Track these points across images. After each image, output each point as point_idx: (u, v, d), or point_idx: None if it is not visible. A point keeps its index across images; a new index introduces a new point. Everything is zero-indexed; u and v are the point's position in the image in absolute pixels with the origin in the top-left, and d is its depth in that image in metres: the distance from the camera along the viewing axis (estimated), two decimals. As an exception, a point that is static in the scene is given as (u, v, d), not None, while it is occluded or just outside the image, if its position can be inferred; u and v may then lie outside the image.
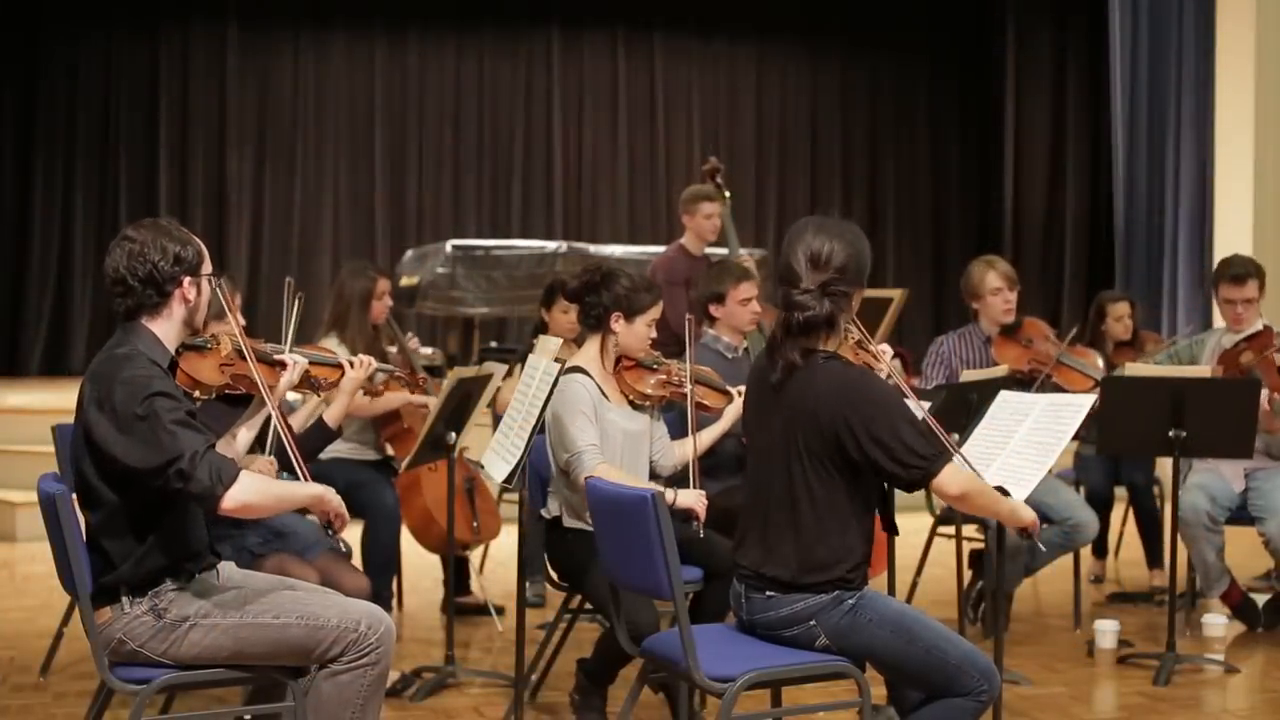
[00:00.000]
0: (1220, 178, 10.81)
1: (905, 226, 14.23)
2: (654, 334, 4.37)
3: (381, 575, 5.23)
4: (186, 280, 3.22)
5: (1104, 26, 12.20)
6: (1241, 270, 5.68)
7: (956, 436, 4.19)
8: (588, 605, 4.51)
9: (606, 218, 13.66)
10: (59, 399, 8.59)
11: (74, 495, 3.20)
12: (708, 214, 6.87)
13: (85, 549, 3.17)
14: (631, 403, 4.35)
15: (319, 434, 4.34)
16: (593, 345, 4.34)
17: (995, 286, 5.77)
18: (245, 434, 3.48)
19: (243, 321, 3.67)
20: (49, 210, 12.43)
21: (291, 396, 4.30)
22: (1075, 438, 4.00)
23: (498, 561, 6.75)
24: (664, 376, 4.37)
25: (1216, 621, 5.72)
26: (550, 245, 11.01)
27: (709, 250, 7.08)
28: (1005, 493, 3.51)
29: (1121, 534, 6.88)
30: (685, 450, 4.39)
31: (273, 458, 3.76)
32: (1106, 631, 5.42)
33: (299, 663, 3.25)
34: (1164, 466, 5.63)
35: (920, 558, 5.88)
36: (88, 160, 12.51)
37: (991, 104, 14.00)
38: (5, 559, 7.22)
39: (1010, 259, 8.25)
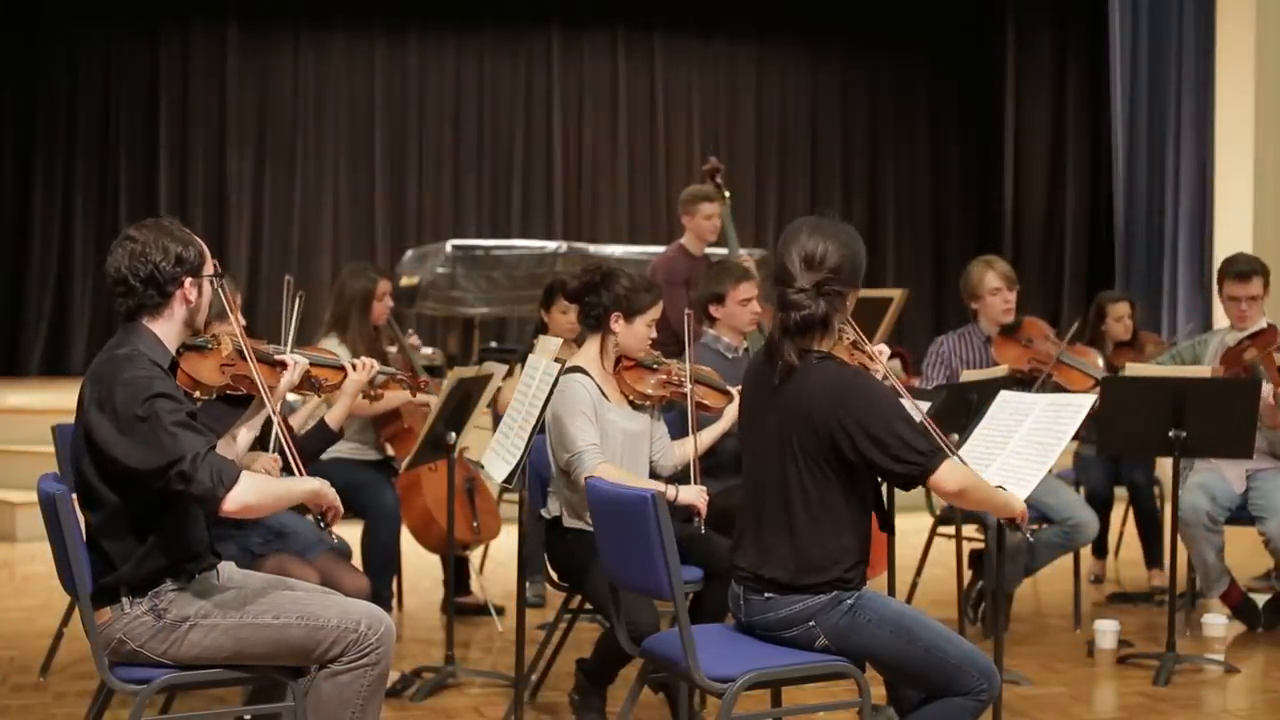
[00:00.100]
0: (1220, 178, 10.81)
1: (905, 226, 14.23)
2: (654, 334, 4.37)
3: (381, 575, 5.24)
4: (188, 281, 3.22)
5: (1104, 26, 12.20)
6: (1246, 267, 5.69)
7: (956, 437, 4.20)
8: (588, 605, 4.51)
9: (606, 218, 13.67)
10: (59, 399, 8.59)
11: (74, 495, 3.20)
12: (707, 214, 6.87)
13: (85, 549, 3.17)
14: (631, 403, 4.34)
15: (320, 436, 4.34)
16: (593, 345, 4.34)
17: (994, 286, 5.78)
18: (246, 434, 3.48)
19: (243, 321, 3.67)
20: (49, 210, 12.44)
21: (291, 397, 4.30)
22: (1075, 438, 4.00)
23: (498, 561, 6.75)
24: (664, 376, 4.37)
25: (1216, 621, 5.72)
26: (550, 245, 11.01)
27: (709, 250, 7.08)
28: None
29: (1121, 534, 6.88)
30: (685, 450, 4.40)
31: (276, 455, 3.76)
32: (1106, 631, 5.42)
33: (299, 663, 3.25)
34: (1164, 466, 5.63)
35: (920, 558, 5.88)
36: (88, 160, 12.51)
37: (991, 104, 14.00)
38: (5, 559, 7.22)
39: (1010, 259, 8.26)
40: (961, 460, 3.38)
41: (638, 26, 13.75)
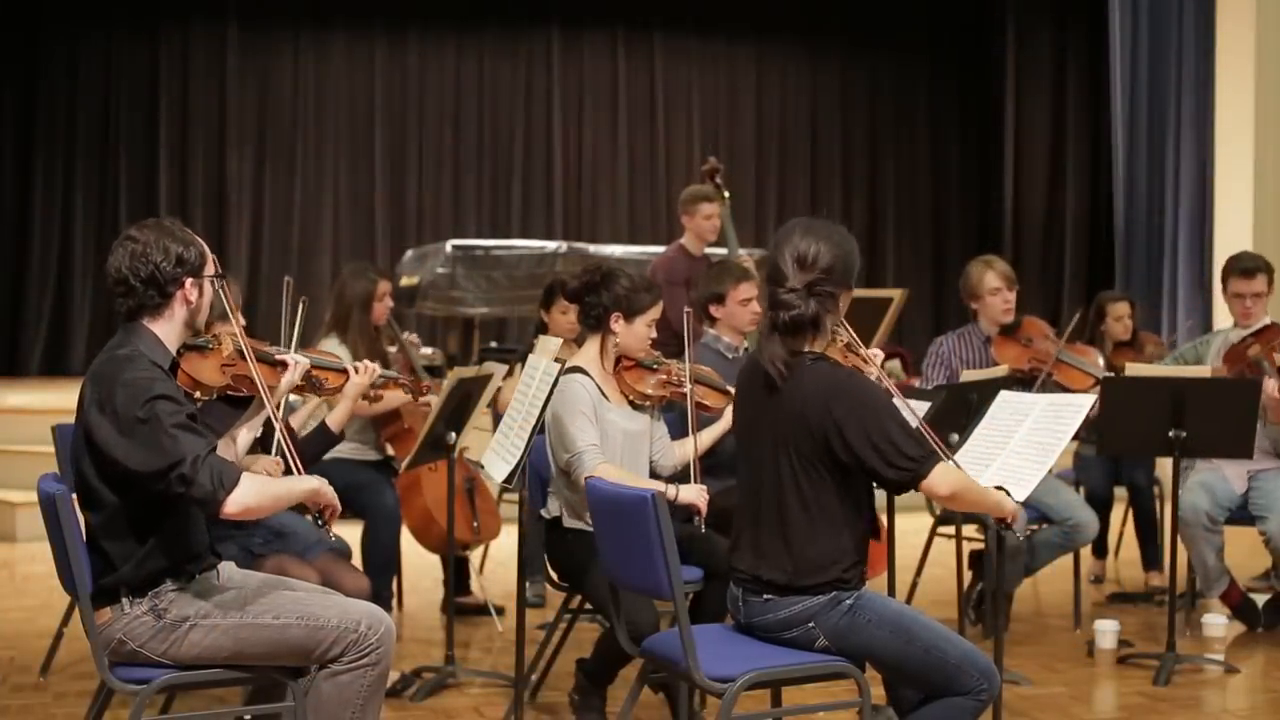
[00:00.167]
0: (1220, 178, 10.82)
1: (905, 226, 14.23)
2: (654, 334, 4.37)
3: (381, 575, 5.23)
4: (188, 281, 3.22)
5: (1104, 26, 12.20)
6: (1252, 264, 5.70)
7: (956, 437, 4.20)
8: (588, 605, 4.51)
9: (606, 218, 13.67)
10: (59, 399, 8.59)
11: (74, 495, 3.20)
12: (707, 214, 6.88)
13: (85, 549, 3.17)
14: (631, 403, 4.34)
15: (321, 439, 4.33)
16: (593, 345, 4.34)
17: (994, 286, 5.78)
18: (246, 435, 3.48)
19: (243, 321, 3.67)
20: (49, 210, 12.44)
21: (292, 397, 4.30)
22: (1075, 438, 4.00)
23: (498, 561, 6.75)
24: (664, 376, 4.36)
25: (1216, 621, 5.72)
26: (550, 245, 11.02)
27: (709, 250, 7.08)
28: (1006, 493, 3.52)
29: (1121, 534, 6.88)
30: (685, 450, 4.39)
31: (278, 458, 3.76)
32: (1106, 631, 5.42)
33: (299, 663, 3.25)
34: (1164, 466, 5.63)
35: (920, 558, 5.88)
36: (88, 160, 12.52)
37: (991, 104, 14.00)
38: (5, 559, 7.22)
39: (1010, 259, 8.26)
40: (955, 463, 3.39)
41: (637, 26, 13.75)
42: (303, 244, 12.98)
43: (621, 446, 4.25)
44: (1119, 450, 5.89)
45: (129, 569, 3.15)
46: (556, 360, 4.19)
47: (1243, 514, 5.58)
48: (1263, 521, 5.46)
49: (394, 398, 5.06)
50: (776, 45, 14.03)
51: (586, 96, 13.74)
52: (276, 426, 3.43)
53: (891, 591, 4.39)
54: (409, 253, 11.37)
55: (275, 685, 3.34)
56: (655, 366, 4.37)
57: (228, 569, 3.40)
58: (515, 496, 5.38)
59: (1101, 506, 6.27)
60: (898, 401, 3.38)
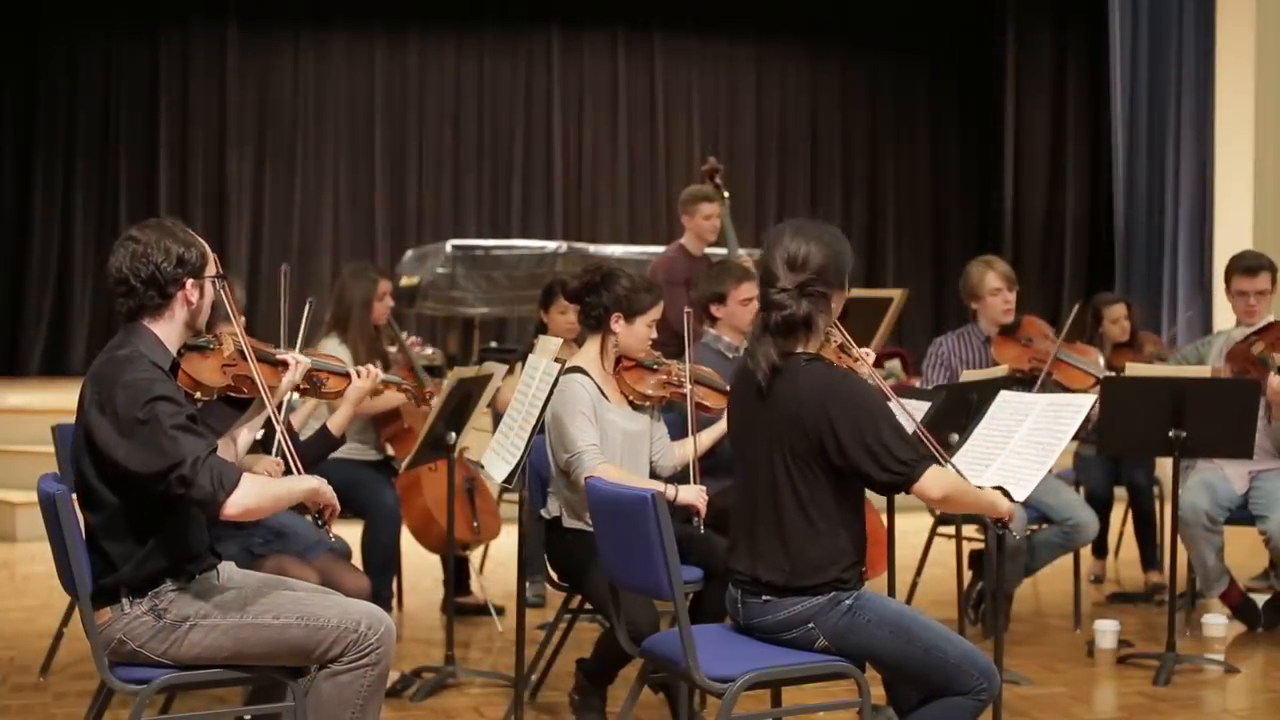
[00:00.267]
0: (1220, 178, 10.82)
1: (905, 226, 14.22)
2: (654, 335, 4.37)
3: (381, 575, 5.23)
4: (189, 282, 3.21)
5: (1104, 26, 12.21)
6: (1255, 262, 5.71)
7: (956, 437, 4.20)
8: (588, 605, 4.51)
9: (606, 218, 13.67)
10: (59, 399, 8.59)
11: (74, 495, 3.20)
12: (706, 214, 6.88)
13: (85, 549, 3.17)
14: (631, 403, 4.34)
15: (322, 442, 4.32)
16: (593, 345, 4.34)
17: (995, 287, 5.78)
18: (246, 435, 3.48)
19: (243, 320, 3.66)
20: (49, 210, 12.44)
21: (291, 396, 4.30)
22: (1075, 438, 4.00)
23: (498, 561, 6.75)
24: (664, 377, 4.36)
25: (1216, 621, 5.72)
26: (550, 245, 11.01)
27: (709, 250, 7.08)
28: (1006, 493, 3.52)
29: (1121, 534, 6.88)
30: (685, 451, 4.39)
31: (279, 459, 3.76)
32: (1106, 631, 5.42)
33: (299, 663, 3.25)
34: (1164, 466, 5.64)
35: (920, 558, 5.88)
36: (88, 160, 12.52)
37: (991, 104, 14.00)
38: (5, 559, 7.22)
39: (1010, 259, 8.26)
40: (950, 464, 3.39)
41: (637, 26, 13.75)
42: (303, 244, 12.98)
43: (621, 447, 4.25)
44: (1119, 450, 5.89)
45: (129, 569, 3.15)
46: (556, 360, 4.19)
47: (1243, 514, 5.58)
48: (1263, 521, 5.46)
49: (394, 396, 5.06)
50: (776, 45, 14.03)
51: (586, 96, 13.74)
52: (277, 427, 3.43)
53: (891, 591, 4.39)
54: (409, 253, 11.37)
55: (275, 685, 3.34)
56: (655, 367, 4.37)
57: (228, 569, 3.40)
58: (515, 496, 5.38)
59: (1101, 506, 6.27)
60: (893, 403, 3.38)
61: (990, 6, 13.89)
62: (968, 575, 5.69)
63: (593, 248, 11.04)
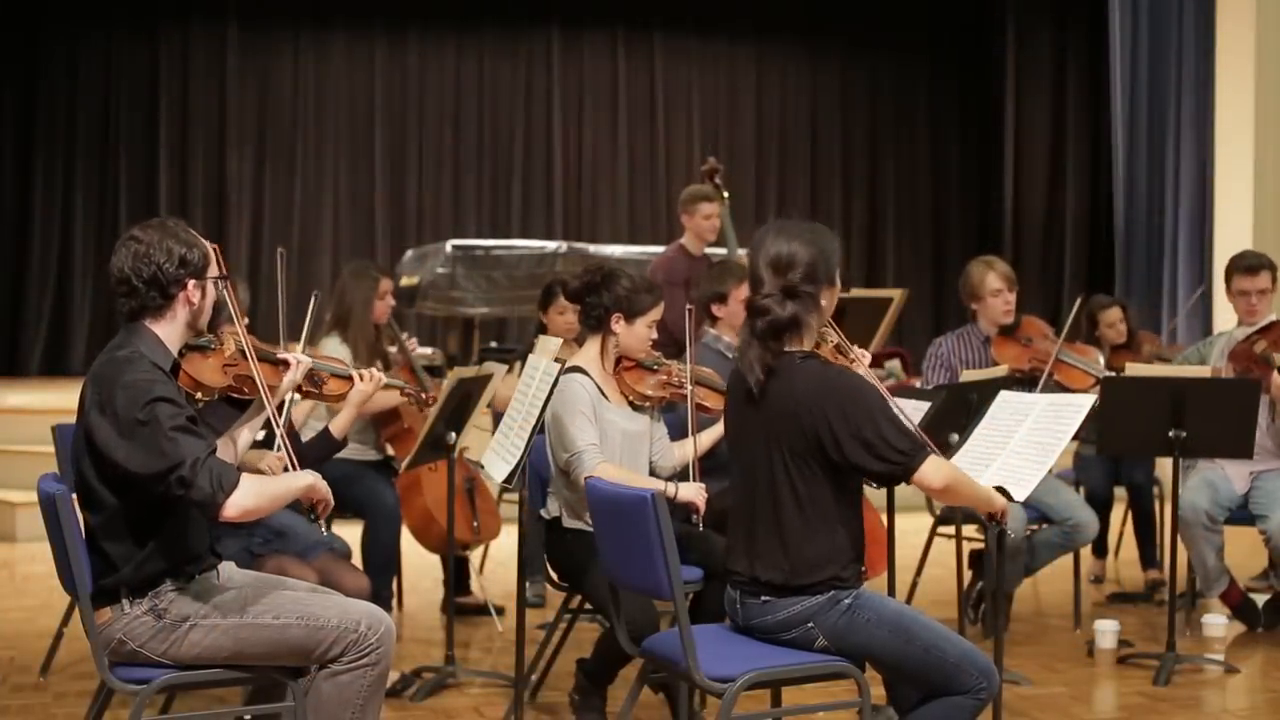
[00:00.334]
0: (1220, 178, 10.82)
1: (905, 226, 14.22)
2: (654, 335, 4.37)
3: (381, 575, 5.23)
4: (191, 283, 3.21)
5: (1104, 26, 12.21)
6: (1255, 262, 5.71)
7: (956, 437, 4.20)
8: (588, 605, 4.51)
9: (606, 218, 13.67)
10: (59, 399, 8.59)
11: (74, 496, 3.20)
12: (706, 214, 6.87)
13: (85, 549, 3.17)
14: (631, 403, 4.34)
15: (324, 444, 4.31)
16: (593, 346, 4.34)
17: (995, 288, 5.77)
18: (246, 435, 3.48)
19: (246, 321, 3.66)
20: (49, 210, 12.44)
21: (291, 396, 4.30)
22: (1075, 438, 4.00)
23: (498, 561, 6.75)
24: (664, 377, 4.36)
25: (1216, 621, 5.72)
26: (550, 245, 11.02)
27: (709, 250, 7.08)
28: (1006, 493, 3.52)
29: (1121, 534, 6.88)
30: (685, 451, 4.39)
31: (282, 454, 3.76)
32: (1106, 631, 5.42)
33: (299, 663, 3.25)
34: (1164, 466, 5.64)
35: (920, 558, 5.88)
36: (88, 160, 12.52)
37: (991, 104, 14.01)
38: (5, 559, 7.22)
39: (1010, 259, 8.26)
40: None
41: (637, 26, 13.75)
42: (303, 244, 12.97)
43: (621, 447, 4.25)
44: (1119, 450, 5.89)
45: (129, 569, 3.15)
46: (556, 360, 4.19)
47: (1243, 514, 5.58)
48: (1263, 521, 5.46)
49: (393, 395, 5.06)
50: (776, 45, 14.03)
51: (586, 96, 13.74)
52: (277, 428, 3.42)
53: (891, 591, 4.39)
54: (409, 253, 11.37)
55: (275, 685, 3.34)
56: (655, 367, 4.37)
57: (228, 569, 3.40)
58: (515, 496, 5.37)
59: (1101, 506, 6.28)
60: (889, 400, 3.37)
61: (990, 6, 13.89)
62: (968, 575, 5.69)
63: (593, 248, 11.04)
